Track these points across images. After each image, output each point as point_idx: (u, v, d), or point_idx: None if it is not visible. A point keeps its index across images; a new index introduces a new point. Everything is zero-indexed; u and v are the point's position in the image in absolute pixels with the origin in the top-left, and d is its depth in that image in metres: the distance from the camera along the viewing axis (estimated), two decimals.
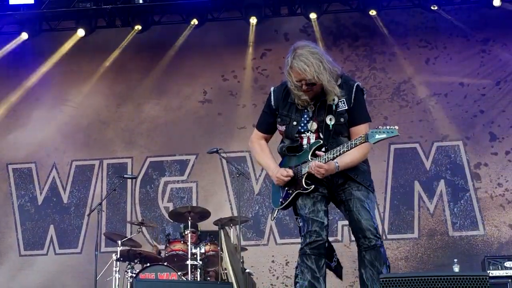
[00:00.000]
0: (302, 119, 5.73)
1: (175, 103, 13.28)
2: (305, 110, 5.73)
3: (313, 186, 5.60)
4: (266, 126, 5.99)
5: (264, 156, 5.93)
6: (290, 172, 5.68)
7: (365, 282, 5.43)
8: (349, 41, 13.18)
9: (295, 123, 5.74)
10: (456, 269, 9.77)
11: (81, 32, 13.11)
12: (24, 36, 13.19)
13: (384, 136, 5.52)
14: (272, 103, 5.90)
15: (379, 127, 5.52)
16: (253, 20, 13.01)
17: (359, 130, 5.67)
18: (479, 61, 12.80)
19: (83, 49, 13.48)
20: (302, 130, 5.72)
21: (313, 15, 12.81)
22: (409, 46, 13.05)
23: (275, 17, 13.32)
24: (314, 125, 5.68)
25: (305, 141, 5.71)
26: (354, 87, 5.81)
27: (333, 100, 5.70)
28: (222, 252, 9.88)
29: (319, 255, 5.57)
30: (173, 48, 13.42)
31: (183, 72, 13.35)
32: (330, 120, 5.68)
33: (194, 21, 13.09)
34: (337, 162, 5.53)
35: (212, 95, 13.24)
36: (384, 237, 12.16)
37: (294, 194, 5.70)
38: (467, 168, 12.44)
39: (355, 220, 5.53)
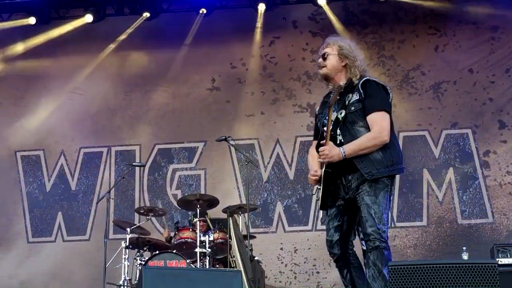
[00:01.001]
0: (323, 113, 5.78)
1: (184, 90, 13.27)
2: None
3: (324, 173, 5.61)
4: (315, 133, 6.09)
5: (311, 161, 5.98)
6: (319, 171, 5.73)
7: (367, 281, 5.49)
8: (358, 29, 13.13)
9: (321, 119, 5.92)
10: (465, 257, 9.75)
11: (89, 18, 13.07)
12: (32, 20, 13.17)
13: None
14: (317, 110, 6.11)
15: None
16: (262, 8, 12.98)
17: (372, 118, 5.65)
18: (488, 48, 12.74)
19: (91, 37, 13.47)
20: (323, 125, 5.81)
21: (321, 0, 12.76)
22: (418, 33, 12.99)
23: (284, 5, 13.28)
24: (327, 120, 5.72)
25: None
26: (364, 79, 5.80)
27: (349, 96, 5.74)
28: (231, 239, 9.88)
29: (339, 267, 5.76)
30: (181, 36, 13.40)
31: (191, 59, 13.33)
32: (340, 114, 5.71)
33: (203, 10, 13.07)
34: (343, 148, 5.52)
35: (220, 82, 13.22)
36: (392, 225, 12.16)
37: (316, 191, 5.77)
38: (476, 156, 12.40)
39: (363, 226, 5.60)
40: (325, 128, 5.74)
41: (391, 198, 5.81)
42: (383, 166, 5.66)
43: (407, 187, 12.35)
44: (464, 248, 9.90)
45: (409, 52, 12.90)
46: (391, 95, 5.85)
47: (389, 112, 5.74)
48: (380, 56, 12.93)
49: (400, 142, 12.45)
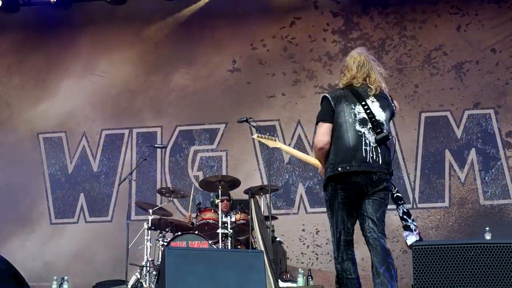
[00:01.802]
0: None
1: (204, 72, 13.26)
2: None
3: None
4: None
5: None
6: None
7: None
8: (379, 9, 13.05)
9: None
10: (488, 237, 9.67)
11: None
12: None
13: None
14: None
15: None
16: None
17: None
18: (511, 27, 12.63)
19: (112, 19, 13.50)
20: None
21: None
22: (440, 13, 12.89)
23: None
24: None
25: None
26: None
27: None
28: (252, 221, 9.90)
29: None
30: (202, 17, 13.38)
31: (212, 41, 13.32)
32: None
33: None
34: None
35: (241, 64, 13.20)
36: (414, 206, 12.14)
37: None
38: (498, 137, 12.32)
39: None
40: None
41: (333, 210, 5.88)
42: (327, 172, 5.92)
43: (429, 168, 12.31)
44: (487, 228, 9.84)
45: (431, 32, 12.81)
46: (329, 97, 6.06)
47: (324, 120, 5.96)
48: (402, 36, 12.85)
49: (422, 123, 12.42)
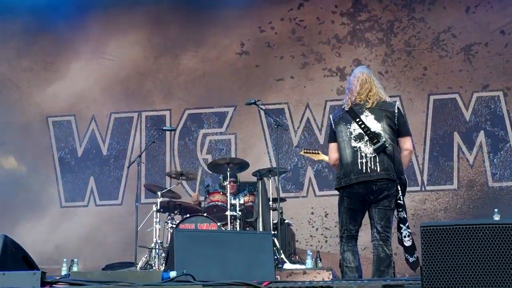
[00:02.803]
0: None
1: (213, 55, 13.26)
2: None
3: None
4: None
5: None
6: None
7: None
8: None
9: None
10: (496, 218, 9.69)
11: None
12: None
13: None
14: None
15: None
16: None
17: None
18: None
19: (121, 1, 13.49)
20: None
21: None
22: None
23: None
24: None
25: None
26: None
27: None
28: (259, 202, 9.94)
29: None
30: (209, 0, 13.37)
31: (220, 23, 13.29)
32: None
33: None
34: None
35: (249, 46, 13.18)
36: (423, 189, 12.16)
37: None
38: (507, 119, 12.31)
39: None
40: None
41: (340, 212, 6.77)
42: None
43: (437, 150, 12.31)
44: (496, 210, 9.84)
45: (440, 14, 12.76)
46: (331, 119, 6.93)
47: (329, 141, 6.91)
48: (410, 18, 12.81)
49: (431, 106, 12.42)
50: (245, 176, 10.85)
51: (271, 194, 10.25)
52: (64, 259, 10.95)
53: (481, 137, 12.26)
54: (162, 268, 9.27)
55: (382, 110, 6.66)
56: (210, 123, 13.05)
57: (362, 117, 6.63)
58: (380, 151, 6.52)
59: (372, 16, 12.93)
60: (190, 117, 13.11)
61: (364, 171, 6.51)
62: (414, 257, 6.71)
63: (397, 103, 6.93)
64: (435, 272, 4.39)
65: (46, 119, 13.39)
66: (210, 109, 13.11)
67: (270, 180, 10.39)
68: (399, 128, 6.70)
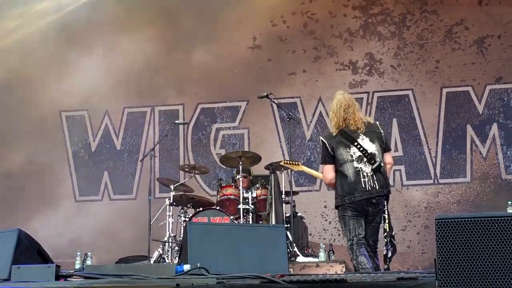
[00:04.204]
0: None
1: (225, 49, 13.26)
2: None
3: None
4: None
5: None
6: None
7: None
8: None
9: None
10: (510, 211, 9.68)
11: None
12: None
13: None
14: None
15: None
16: None
17: None
18: None
19: None
20: None
21: None
22: None
23: None
24: None
25: None
26: None
27: None
28: (272, 196, 9.94)
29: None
30: None
31: (232, 18, 13.29)
32: None
33: None
34: None
35: (261, 41, 13.18)
36: (436, 182, 12.15)
37: None
38: None
39: None
40: None
41: (345, 222, 7.36)
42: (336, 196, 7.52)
43: (450, 143, 12.29)
44: (510, 202, 9.82)
45: (452, 6, 12.72)
46: (327, 143, 7.48)
47: (325, 162, 7.55)
48: (423, 11, 12.78)
49: (443, 98, 12.39)
50: (258, 169, 10.86)
51: (284, 187, 10.26)
52: (78, 253, 11.02)
53: (494, 129, 12.23)
54: (176, 261, 9.30)
55: (372, 132, 7.46)
56: (223, 117, 13.07)
57: (359, 140, 7.36)
58: (377, 170, 7.27)
59: (384, 9, 12.90)
60: (203, 111, 13.13)
61: (366, 189, 7.24)
62: (387, 264, 7.45)
63: (378, 122, 7.76)
64: (450, 265, 4.39)
65: (60, 114, 13.44)
66: (223, 104, 13.13)
67: (283, 174, 10.40)
68: (385, 146, 7.51)
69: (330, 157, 7.46)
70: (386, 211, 7.37)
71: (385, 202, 7.38)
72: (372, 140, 7.40)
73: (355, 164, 7.31)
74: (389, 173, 7.59)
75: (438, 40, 12.60)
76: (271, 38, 13.16)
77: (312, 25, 13.07)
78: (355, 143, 7.33)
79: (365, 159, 7.30)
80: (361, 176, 7.27)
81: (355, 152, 7.33)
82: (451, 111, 12.37)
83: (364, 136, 7.40)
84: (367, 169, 7.28)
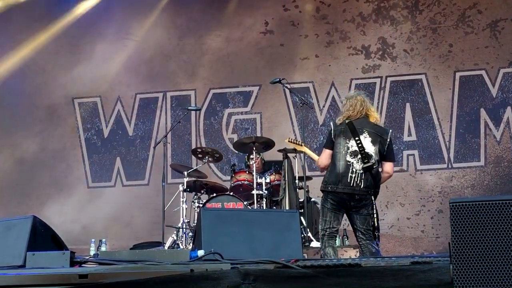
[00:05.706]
0: None
1: (237, 34, 13.23)
2: None
3: None
4: None
5: None
6: None
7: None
8: None
9: None
10: None
11: None
12: None
13: None
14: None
15: None
16: None
17: None
18: None
19: None
20: None
21: None
22: None
23: None
24: None
25: None
26: None
27: None
28: (285, 180, 9.93)
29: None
30: None
31: (243, 3, 13.26)
32: None
33: None
34: None
35: (273, 25, 13.14)
36: (449, 166, 12.11)
37: None
38: None
39: None
40: None
41: (324, 212, 7.58)
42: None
43: (464, 127, 12.24)
44: None
45: None
46: (332, 129, 7.60)
47: (326, 147, 7.64)
48: None
49: (457, 83, 12.34)
50: (272, 154, 10.85)
51: (297, 172, 10.25)
52: (92, 239, 11.06)
53: (508, 113, 12.17)
54: (190, 247, 9.33)
55: (377, 135, 7.53)
56: (235, 102, 13.05)
57: (361, 137, 7.45)
58: (367, 170, 7.35)
59: None
60: (215, 96, 13.12)
61: (351, 184, 7.35)
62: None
63: (390, 131, 7.78)
64: (464, 249, 4.37)
65: (72, 101, 13.47)
66: (235, 89, 13.11)
67: (296, 159, 10.38)
68: (386, 154, 7.55)
69: (331, 143, 7.58)
70: (374, 208, 7.40)
71: (373, 198, 7.43)
72: (373, 142, 7.47)
73: (348, 157, 7.41)
74: (385, 181, 7.73)
75: (451, 24, 12.53)
76: (283, 23, 13.11)
77: (324, 10, 13.01)
78: (356, 138, 7.42)
79: (359, 156, 7.39)
80: (350, 170, 7.38)
81: (352, 145, 7.44)
82: (465, 95, 12.32)
83: (368, 135, 7.48)
84: (358, 166, 7.38)
